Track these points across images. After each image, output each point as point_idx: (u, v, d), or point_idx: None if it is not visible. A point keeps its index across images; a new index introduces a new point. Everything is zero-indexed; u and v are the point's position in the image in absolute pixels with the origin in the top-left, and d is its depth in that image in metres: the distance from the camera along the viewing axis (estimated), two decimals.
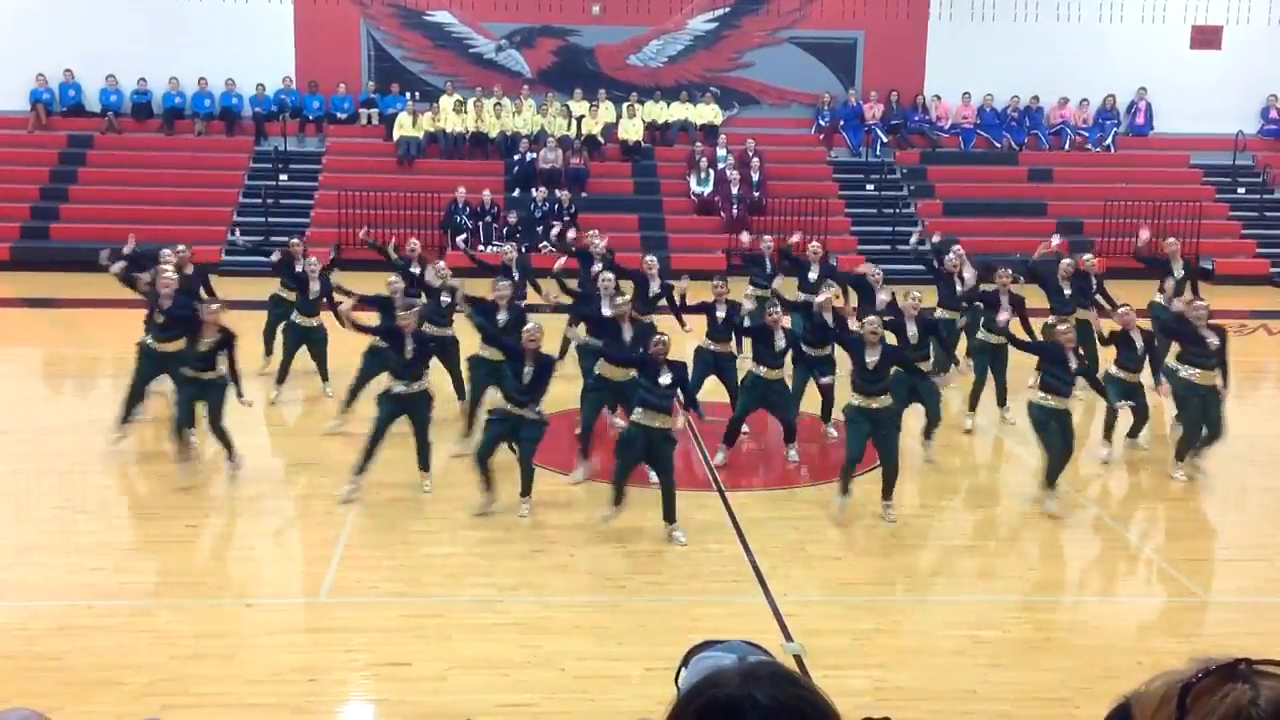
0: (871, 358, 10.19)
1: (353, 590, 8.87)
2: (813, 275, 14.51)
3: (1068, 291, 13.83)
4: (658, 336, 10.05)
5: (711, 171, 23.87)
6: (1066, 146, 25.57)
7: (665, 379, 9.66)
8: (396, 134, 24.26)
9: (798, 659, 7.75)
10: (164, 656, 7.84)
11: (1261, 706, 1.37)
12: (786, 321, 11.63)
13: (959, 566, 9.47)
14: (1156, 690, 1.45)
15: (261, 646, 8.08)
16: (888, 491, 10.31)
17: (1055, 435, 10.51)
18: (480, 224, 22.56)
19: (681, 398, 10.02)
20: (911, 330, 11.64)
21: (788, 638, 8.15)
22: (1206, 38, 25.87)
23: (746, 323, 12.22)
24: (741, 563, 9.50)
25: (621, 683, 7.49)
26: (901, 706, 7.32)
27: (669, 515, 9.75)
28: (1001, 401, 13.34)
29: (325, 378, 13.49)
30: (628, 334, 11.34)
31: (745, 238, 16.65)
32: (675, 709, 1.63)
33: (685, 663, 1.88)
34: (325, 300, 13.08)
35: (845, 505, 10.26)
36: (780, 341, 11.32)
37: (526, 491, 10.28)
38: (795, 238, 16.36)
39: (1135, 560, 10.10)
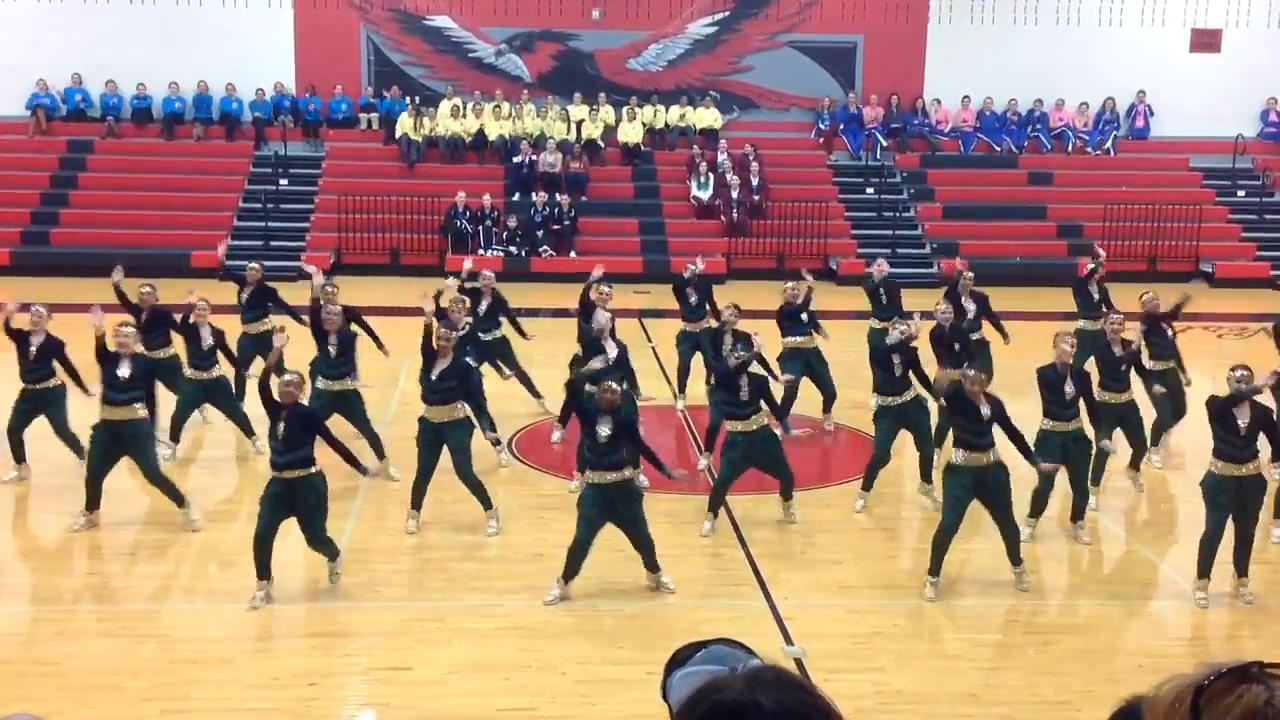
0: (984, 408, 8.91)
1: (353, 595, 8.86)
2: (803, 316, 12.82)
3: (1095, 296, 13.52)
4: (606, 384, 9.07)
5: (711, 175, 23.87)
6: (1068, 149, 25.58)
7: (604, 430, 8.76)
8: (398, 133, 24.27)
9: (798, 662, 7.75)
10: (164, 661, 7.84)
11: (1276, 707, 1.36)
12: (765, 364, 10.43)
13: (959, 570, 9.46)
14: (1168, 693, 1.45)
15: (261, 651, 8.08)
16: (1015, 556, 9.12)
17: (1226, 510, 8.86)
18: (480, 228, 22.57)
19: (629, 453, 8.91)
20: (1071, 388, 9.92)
21: (788, 641, 8.15)
22: (1206, 40, 25.87)
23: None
24: (742, 566, 9.50)
25: (622, 687, 7.48)
26: (902, 710, 7.32)
27: (650, 565, 8.96)
28: (1136, 461, 11.35)
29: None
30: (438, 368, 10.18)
31: (879, 265, 14.19)
32: (679, 714, 1.63)
33: (669, 672, 1.86)
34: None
35: (939, 585, 9.05)
36: (744, 392, 9.96)
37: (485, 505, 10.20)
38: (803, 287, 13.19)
39: (1135, 563, 10.09)
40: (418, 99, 24.88)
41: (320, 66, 24.95)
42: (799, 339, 12.74)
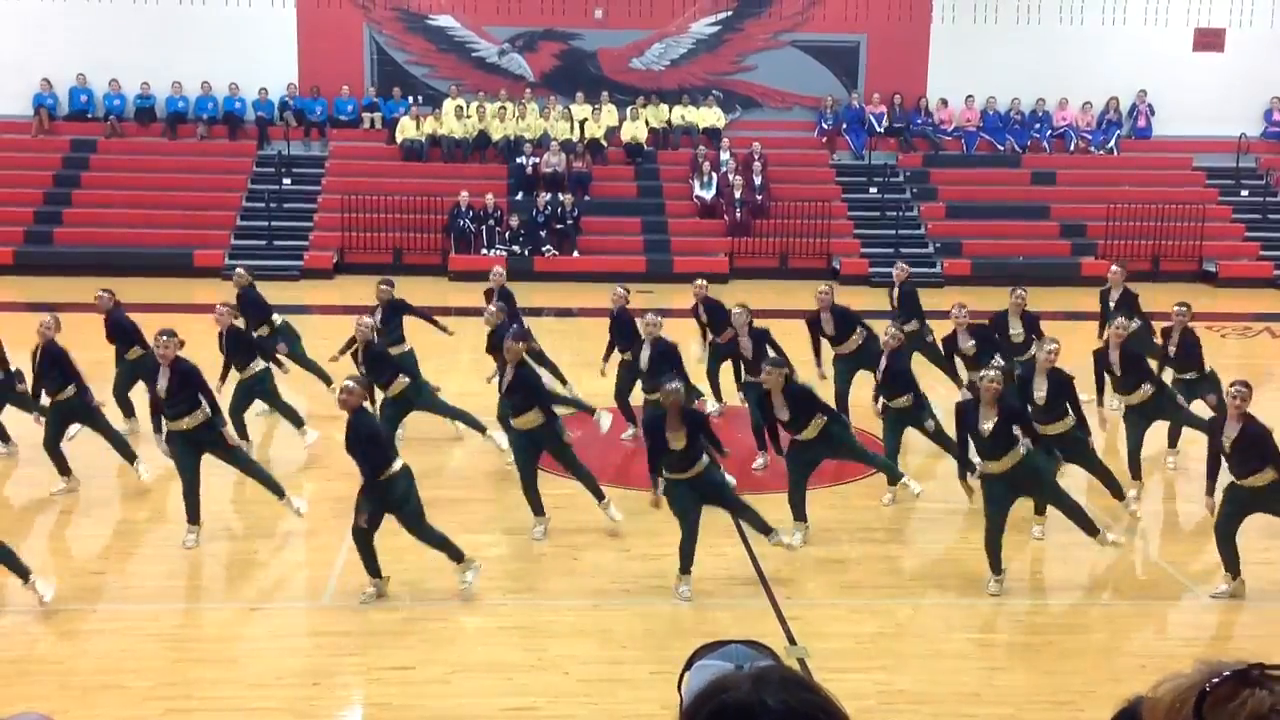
0: (986, 423, 8.76)
1: (356, 594, 8.85)
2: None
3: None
4: (672, 385, 8.88)
5: (714, 175, 23.87)
6: (1071, 149, 25.57)
7: (678, 444, 8.77)
8: (399, 138, 24.30)
9: (801, 662, 7.75)
10: (167, 660, 7.84)
11: None
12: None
13: (962, 570, 9.45)
14: (1166, 694, 1.44)
15: (265, 650, 8.08)
16: (1090, 528, 9.15)
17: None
18: (483, 228, 22.58)
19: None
20: (1040, 391, 9.83)
21: (791, 641, 8.14)
22: (1209, 40, 25.86)
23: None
24: (745, 566, 9.49)
25: (625, 686, 7.48)
26: (904, 710, 7.31)
27: (763, 529, 9.09)
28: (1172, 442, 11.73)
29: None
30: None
31: (899, 269, 13.91)
32: (686, 713, 1.63)
33: (689, 666, 1.87)
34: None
35: (1003, 581, 9.01)
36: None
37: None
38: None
39: (1137, 563, 10.08)
40: (420, 99, 24.91)
41: (323, 65, 24.98)
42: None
